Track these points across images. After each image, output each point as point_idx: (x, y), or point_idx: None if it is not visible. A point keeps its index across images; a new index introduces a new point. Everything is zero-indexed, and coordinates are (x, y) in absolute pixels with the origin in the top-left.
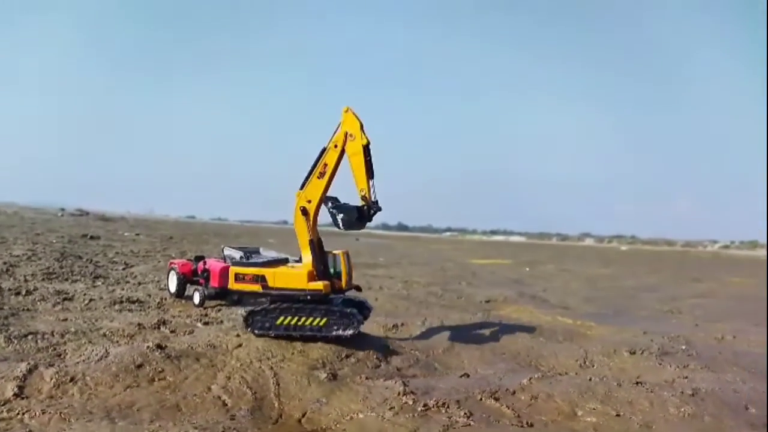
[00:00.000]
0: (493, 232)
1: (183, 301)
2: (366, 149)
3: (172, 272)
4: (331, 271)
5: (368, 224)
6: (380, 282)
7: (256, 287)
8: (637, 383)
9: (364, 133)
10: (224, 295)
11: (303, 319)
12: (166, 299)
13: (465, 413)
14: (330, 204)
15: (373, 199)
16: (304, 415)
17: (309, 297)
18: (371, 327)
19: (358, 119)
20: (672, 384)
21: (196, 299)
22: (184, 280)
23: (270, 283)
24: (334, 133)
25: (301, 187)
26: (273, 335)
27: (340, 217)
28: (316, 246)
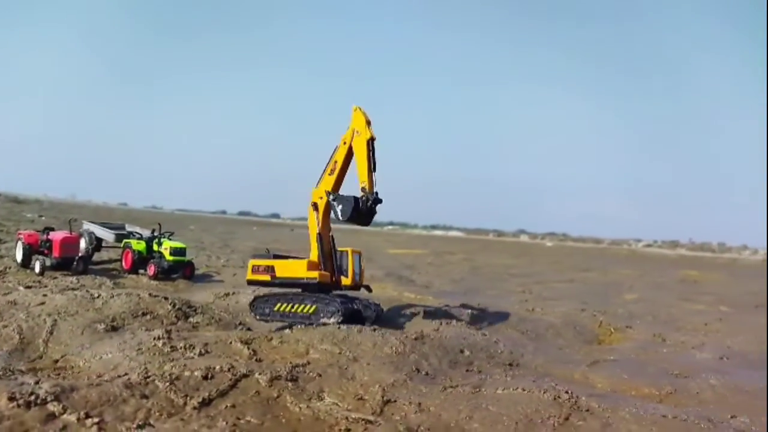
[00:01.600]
0: (434, 227)
1: (27, 270)
2: (370, 144)
3: (19, 242)
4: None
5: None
6: None
7: (266, 277)
8: (374, 329)
9: (370, 129)
10: (66, 265)
11: (296, 306)
12: (11, 268)
13: (201, 351)
14: (331, 196)
15: (374, 191)
16: (62, 357)
17: (305, 285)
18: (203, 294)
19: (365, 116)
20: (418, 333)
21: (37, 268)
22: (30, 250)
23: (278, 273)
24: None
25: (317, 185)
26: (270, 320)
27: (339, 208)
28: (325, 241)
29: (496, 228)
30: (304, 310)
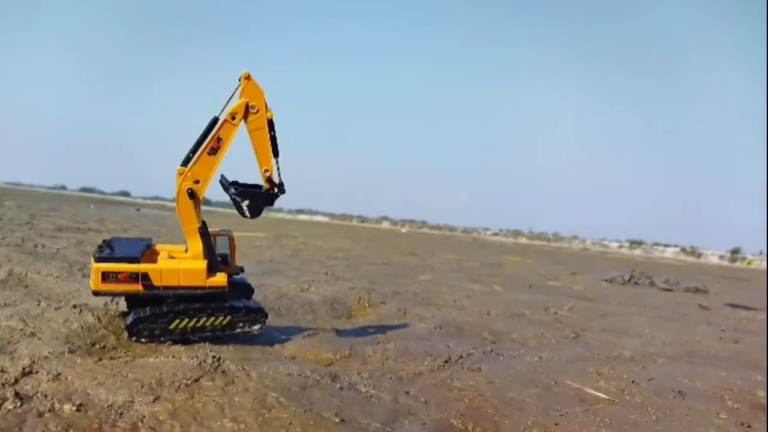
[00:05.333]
0: (299, 211)
1: None
2: (271, 124)
3: None
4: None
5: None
6: (57, 243)
7: (134, 287)
8: (73, 306)
9: (268, 106)
10: None
11: (204, 320)
12: None
13: None
14: (233, 190)
15: (277, 180)
16: None
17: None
18: None
19: (261, 89)
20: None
21: None
22: None
23: (156, 282)
24: (228, 101)
25: (184, 164)
26: (165, 341)
27: (245, 204)
28: (207, 233)
29: (361, 214)
30: (216, 323)
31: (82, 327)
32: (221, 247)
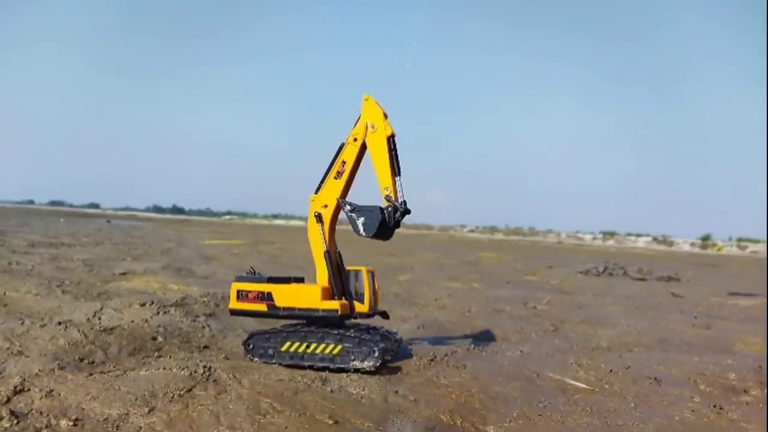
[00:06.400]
0: (275, 216)
1: None
2: (391, 141)
3: None
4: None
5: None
6: (32, 259)
7: (261, 307)
8: (59, 323)
9: (389, 123)
10: None
11: (314, 346)
12: None
13: None
14: (348, 207)
15: (400, 199)
16: None
17: (321, 318)
18: None
19: (380, 108)
20: (110, 325)
21: None
22: None
23: (278, 302)
24: (354, 125)
25: (317, 191)
26: (277, 364)
27: (360, 221)
28: (334, 259)
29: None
30: (327, 351)
31: (69, 343)
32: (354, 281)
